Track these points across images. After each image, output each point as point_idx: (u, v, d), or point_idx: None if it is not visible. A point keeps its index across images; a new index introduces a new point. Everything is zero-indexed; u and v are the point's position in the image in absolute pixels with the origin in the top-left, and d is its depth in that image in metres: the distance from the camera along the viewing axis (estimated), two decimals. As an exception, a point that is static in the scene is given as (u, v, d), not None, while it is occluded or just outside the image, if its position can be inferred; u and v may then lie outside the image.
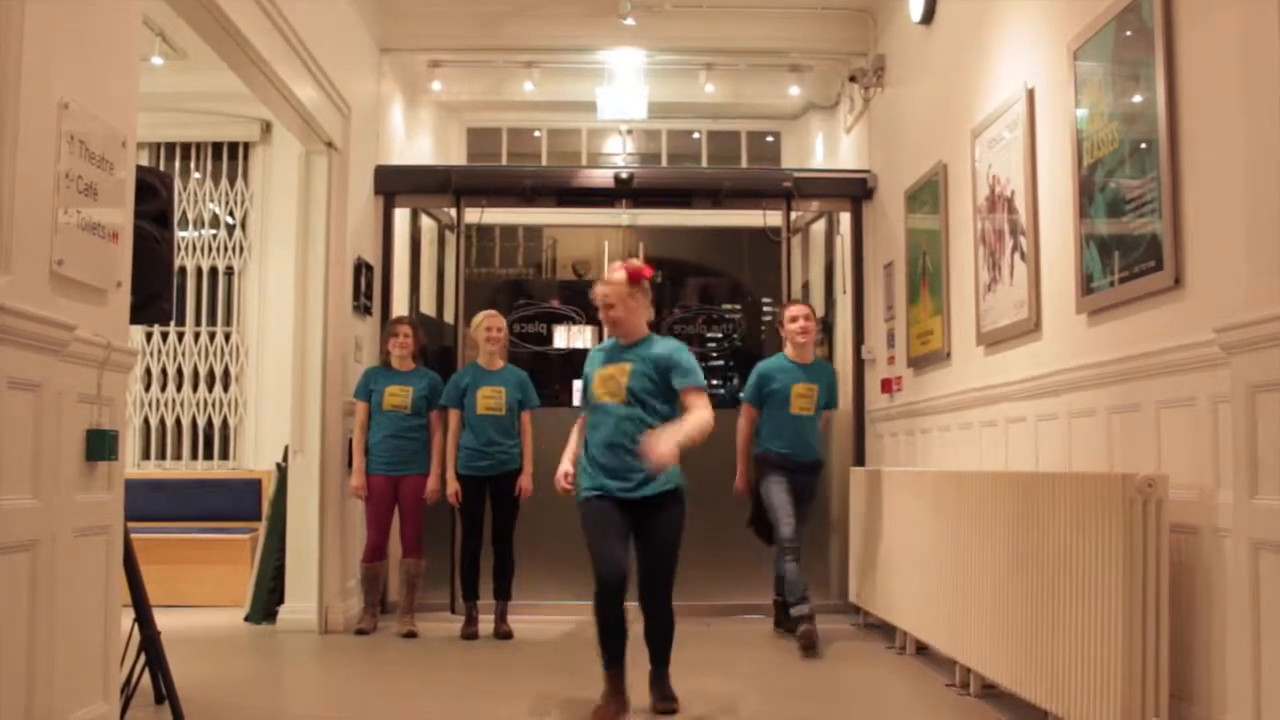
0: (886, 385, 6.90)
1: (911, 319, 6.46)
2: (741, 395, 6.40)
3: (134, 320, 3.75)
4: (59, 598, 3.17)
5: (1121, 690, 3.28)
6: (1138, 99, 3.77)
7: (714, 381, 9.50)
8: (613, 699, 4.28)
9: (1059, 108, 4.42)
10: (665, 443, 4.09)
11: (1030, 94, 4.71)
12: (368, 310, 7.16)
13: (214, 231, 8.42)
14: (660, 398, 4.37)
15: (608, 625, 4.27)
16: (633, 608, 4.32)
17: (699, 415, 4.25)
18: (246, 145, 8.48)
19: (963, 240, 5.55)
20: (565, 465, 4.57)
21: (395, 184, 7.52)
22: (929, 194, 6.11)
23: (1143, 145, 3.73)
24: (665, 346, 4.48)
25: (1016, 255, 4.82)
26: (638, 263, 4.59)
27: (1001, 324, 4.99)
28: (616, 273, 4.49)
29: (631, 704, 4.31)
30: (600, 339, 3.99)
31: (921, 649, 5.57)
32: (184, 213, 8.26)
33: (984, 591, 4.41)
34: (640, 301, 4.47)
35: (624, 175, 7.67)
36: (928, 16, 6.19)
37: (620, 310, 4.43)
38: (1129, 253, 3.81)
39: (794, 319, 6.20)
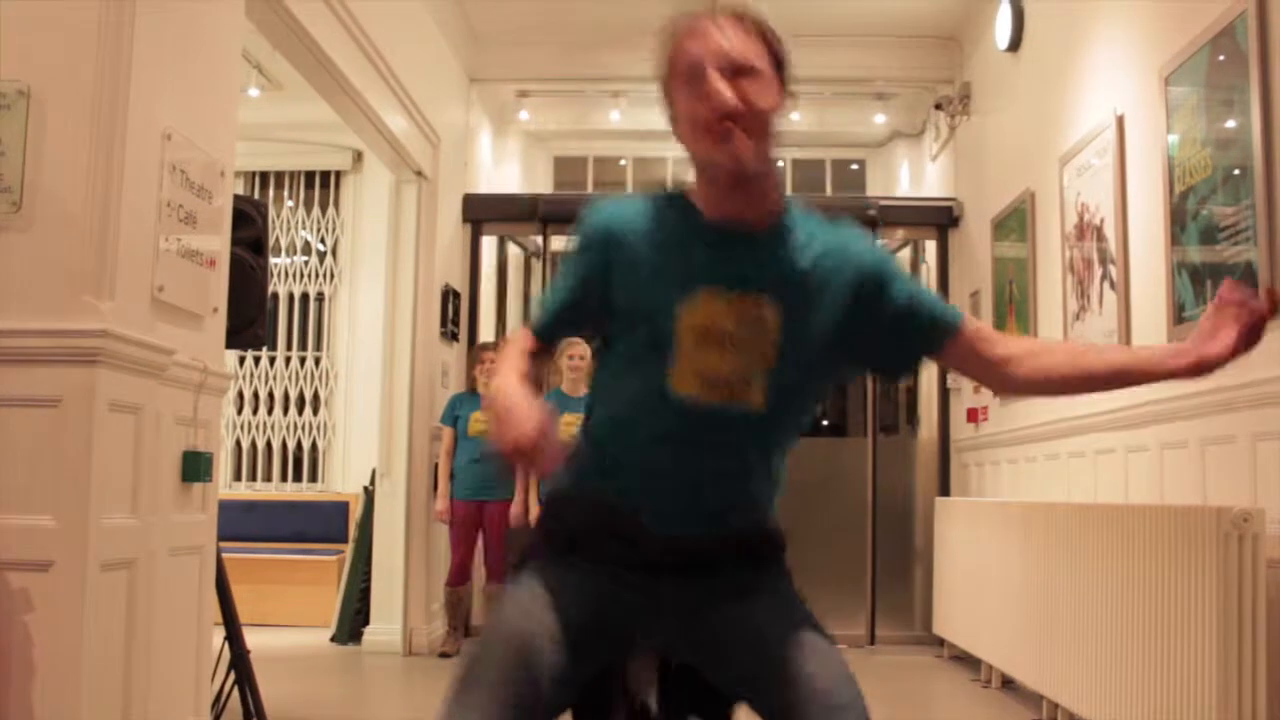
0: (972, 415, 6.82)
1: (998, 348, 6.37)
2: None
3: (229, 345, 3.83)
4: (155, 615, 3.25)
5: (1215, 729, 3.20)
6: (1231, 124, 3.71)
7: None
8: None
9: (1150, 134, 4.35)
10: None
11: (1120, 121, 4.65)
12: (455, 336, 7.26)
13: (306, 258, 8.61)
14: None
15: None
16: None
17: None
18: (338, 174, 8.66)
19: (1050, 268, 5.48)
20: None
21: (483, 212, 7.61)
22: (1016, 222, 6.04)
23: (1236, 172, 3.66)
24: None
25: (1106, 284, 4.75)
26: None
27: (1091, 353, 4.90)
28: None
29: None
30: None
31: (1007, 683, 5.47)
32: (277, 240, 8.46)
33: (1073, 625, 4.33)
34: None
35: (708, 203, 7.63)
36: (1015, 44, 6.14)
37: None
38: (1223, 281, 3.73)
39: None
